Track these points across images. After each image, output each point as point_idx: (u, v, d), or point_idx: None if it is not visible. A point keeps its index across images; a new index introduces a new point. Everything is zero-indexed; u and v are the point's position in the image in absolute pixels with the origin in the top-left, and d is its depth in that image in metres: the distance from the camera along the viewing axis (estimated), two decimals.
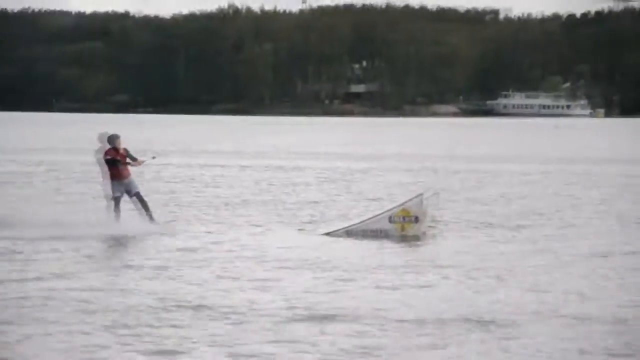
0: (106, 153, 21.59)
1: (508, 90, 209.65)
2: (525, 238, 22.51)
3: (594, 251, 20.53)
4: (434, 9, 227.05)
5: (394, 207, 22.89)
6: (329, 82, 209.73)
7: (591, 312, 14.60)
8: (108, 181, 21.79)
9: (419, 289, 16.40)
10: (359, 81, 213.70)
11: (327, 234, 22.65)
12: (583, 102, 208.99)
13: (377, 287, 16.52)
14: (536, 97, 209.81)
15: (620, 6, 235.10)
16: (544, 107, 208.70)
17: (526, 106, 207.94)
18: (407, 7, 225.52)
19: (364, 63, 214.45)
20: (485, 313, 14.39)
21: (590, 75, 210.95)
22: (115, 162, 21.46)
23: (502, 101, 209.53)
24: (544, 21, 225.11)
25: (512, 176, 41.85)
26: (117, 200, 21.82)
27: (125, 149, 21.85)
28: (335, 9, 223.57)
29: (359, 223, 22.92)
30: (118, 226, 21.74)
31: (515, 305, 14.99)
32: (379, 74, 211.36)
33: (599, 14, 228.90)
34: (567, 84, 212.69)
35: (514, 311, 14.58)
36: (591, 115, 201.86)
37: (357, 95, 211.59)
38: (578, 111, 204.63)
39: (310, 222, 24.88)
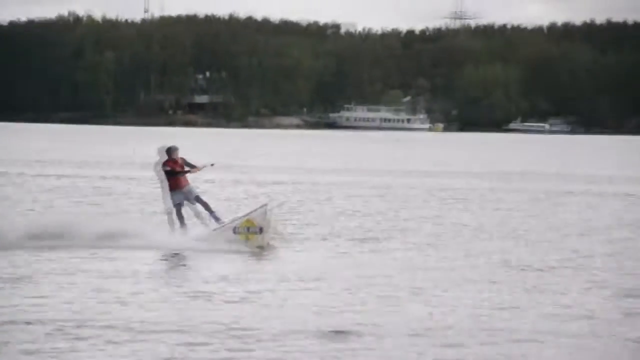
0: (164, 164, 21.95)
1: (350, 104, 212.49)
2: (371, 250, 22.77)
3: (437, 264, 20.90)
4: (277, 21, 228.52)
5: (238, 218, 22.84)
6: (172, 92, 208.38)
7: (433, 324, 14.84)
8: (167, 193, 22.06)
9: (263, 300, 16.38)
10: (203, 92, 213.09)
11: (171, 244, 22.40)
12: (422, 116, 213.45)
13: (221, 299, 16.44)
14: (377, 110, 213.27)
15: (456, 23, 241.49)
16: (385, 120, 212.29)
17: (368, 119, 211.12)
18: (250, 18, 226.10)
19: (207, 74, 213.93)
20: (330, 324, 14.46)
21: (430, 90, 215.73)
22: (174, 172, 21.72)
23: (344, 114, 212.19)
24: (384, 36, 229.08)
25: (355, 188, 42.31)
26: (178, 208, 22.12)
27: (182, 158, 22.16)
28: (178, 19, 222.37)
29: (204, 234, 22.74)
30: (186, 239, 21.89)
31: (360, 317, 15.12)
32: (223, 86, 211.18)
33: (437, 30, 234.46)
34: (408, 98, 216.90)
35: (359, 322, 14.70)
36: (430, 130, 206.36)
37: (201, 106, 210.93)
38: (418, 125, 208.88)
39: (153, 233, 24.52)
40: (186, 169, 22.37)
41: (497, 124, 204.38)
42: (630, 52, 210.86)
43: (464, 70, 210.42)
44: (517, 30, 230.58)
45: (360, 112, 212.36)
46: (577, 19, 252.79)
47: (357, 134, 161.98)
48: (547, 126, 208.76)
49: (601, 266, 20.90)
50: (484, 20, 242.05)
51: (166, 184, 22.13)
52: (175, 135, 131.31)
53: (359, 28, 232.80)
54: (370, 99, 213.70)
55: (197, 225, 22.59)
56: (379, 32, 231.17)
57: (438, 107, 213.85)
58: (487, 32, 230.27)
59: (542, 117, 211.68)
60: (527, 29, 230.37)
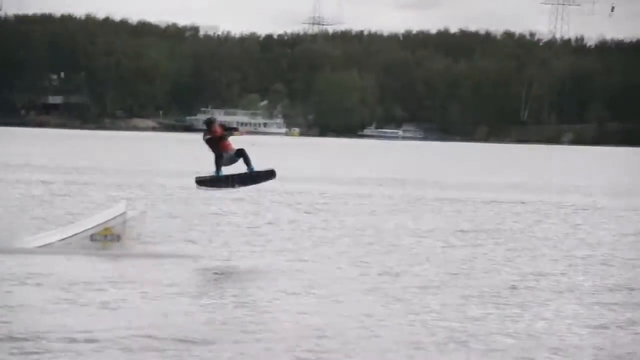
0: (205, 134, 23.79)
1: (207, 107, 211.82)
2: (224, 256, 22.81)
3: (291, 269, 21.09)
4: (135, 23, 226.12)
5: (96, 226, 22.61)
6: (25, 92, 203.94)
7: (285, 333, 15.01)
8: (215, 159, 23.91)
9: (111, 306, 16.22)
10: (57, 92, 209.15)
11: (25, 250, 22.07)
12: (279, 120, 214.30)
13: (77, 305, 16.29)
14: (234, 114, 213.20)
15: (314, 29, 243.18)
16: (242, 124, 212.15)
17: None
18: (107, 19, 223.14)
19: (62, 74, 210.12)
20: (186, 332, 14.46)
21: (287, 95, 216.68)
22: (214, 139, 23.66)
23: (201, 117, 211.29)
24: (243, 40, 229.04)
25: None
26: (218, 160, 23.74)
27: (222, 125, 24.11)
28: (33, 18, 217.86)
29: (59, 240, 22.47)
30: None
31: (217, 325, 15.18)
32: (78, 86, 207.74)
33: (295, 35, 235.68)
34: (265, 102, 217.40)
35: (217, 329, 14.75)
36: (287, 134, 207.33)
37: (55, 106, 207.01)
38: (274, 129, 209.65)
39: (8, 238, 24.10)
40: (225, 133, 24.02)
41: (353, 130, 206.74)
42: (480, 60, 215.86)
43: (321, 75, 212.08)
44: (374, 37, 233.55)
45: (217, 116, 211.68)
46: (432, 27, 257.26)
47: None
48: (400, 132, 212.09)
49: (456, 271, 21.34)
50: (341, 27, 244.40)
51: (212, 152, 23.83)
52: (27, 136, 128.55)
53: (219, 31, 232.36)
54: (228, 103, 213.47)
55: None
56: (238, 35, 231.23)
57: (295, 111, 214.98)
58: (345, 38, 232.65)
59: (397, 123, 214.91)
60: (383, 36, 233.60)
